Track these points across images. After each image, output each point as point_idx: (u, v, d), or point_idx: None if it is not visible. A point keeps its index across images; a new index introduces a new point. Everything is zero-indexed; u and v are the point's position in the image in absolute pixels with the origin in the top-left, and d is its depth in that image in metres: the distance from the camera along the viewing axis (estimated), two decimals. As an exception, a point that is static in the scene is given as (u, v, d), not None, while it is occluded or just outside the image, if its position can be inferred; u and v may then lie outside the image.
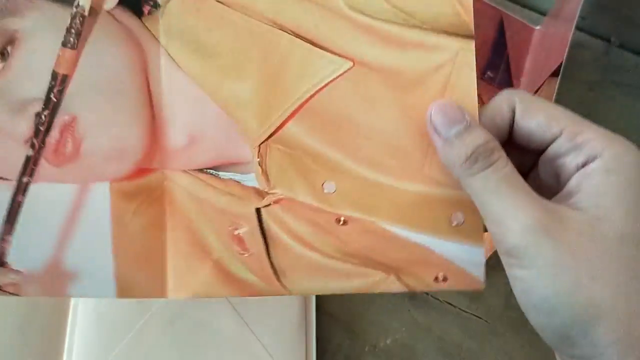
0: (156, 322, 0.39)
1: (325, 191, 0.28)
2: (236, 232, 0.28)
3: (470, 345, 0.43)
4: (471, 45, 0.27)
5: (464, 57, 0.27)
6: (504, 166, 0.24)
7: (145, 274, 0.28)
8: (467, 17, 0.27)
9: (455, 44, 0.27)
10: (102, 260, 0.28)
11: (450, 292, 0.45)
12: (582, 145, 0.25)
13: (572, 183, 0.25)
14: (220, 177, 0.28)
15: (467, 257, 0.28)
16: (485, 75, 0.52)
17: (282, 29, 0.27)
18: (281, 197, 0.28)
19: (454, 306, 0.44)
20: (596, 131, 0.25)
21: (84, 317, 0.40)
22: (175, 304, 0.40)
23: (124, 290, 0.28)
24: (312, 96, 0.27)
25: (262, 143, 0.28)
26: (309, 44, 0.27)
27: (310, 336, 0.41)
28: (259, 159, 0.28)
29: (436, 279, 0.28)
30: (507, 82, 0.53)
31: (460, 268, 0.28)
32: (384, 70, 0.27)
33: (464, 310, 0.44)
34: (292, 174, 0.28)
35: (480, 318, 0.44)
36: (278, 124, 0.28)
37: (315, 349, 0.41)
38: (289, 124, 0.28)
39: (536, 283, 0.23)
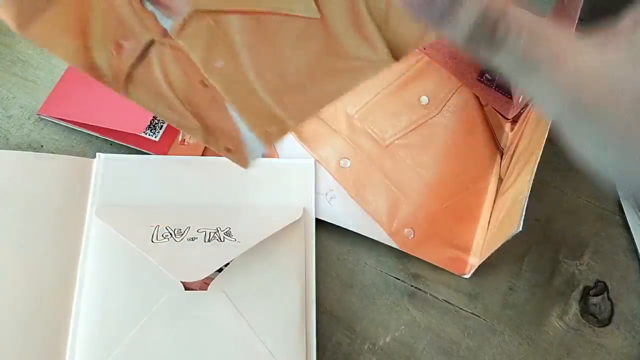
0: (157, 321, 0.40)
1: (215, 65, 0.31)
2: (121, 41, 0.30)
3: (469, 343, 0.44)
4: None
5: None
6: (529, 19, 0.21)
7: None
8: None
9: None
10: None
11: (449, 290, 0.45)
12: None
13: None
14: (143, 4, 0.30)
15: (252, 143, 0.34)
16: (484, 78, 0.53)
17: None
18: (180, 47, 0.31)
19: (453, 305, 0.45)
20: None
21: (86, 316, 0.40)
22: (177, 303, 0.40)
23: None
24: (269, 13, 0.30)
25: (201, 11, 0.30)
26: None
27: (311, 334, 0.41)
28: (186, 17, 0.30)
29: (226, 147, 0.34)
30: (505, 84, 0.53)
31: (245, 145, 0.34)
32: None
33: (462, 309, 0.45)
34: (201, 42, 0.31)
35: (479, 317, 0.45)
36: (227, 8, 0.30)
37: (316, 346, 0.41)
38: (235, 16, 0.30)
39: None
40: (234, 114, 0.34)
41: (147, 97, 0.32)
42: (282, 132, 0.34)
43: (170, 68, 0.32)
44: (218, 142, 0.34)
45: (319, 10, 0.29)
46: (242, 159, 0.35)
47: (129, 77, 0.31)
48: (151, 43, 0.31)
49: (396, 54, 0.30)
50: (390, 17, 0.30)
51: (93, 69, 0.31)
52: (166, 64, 0.31)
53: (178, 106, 0.33)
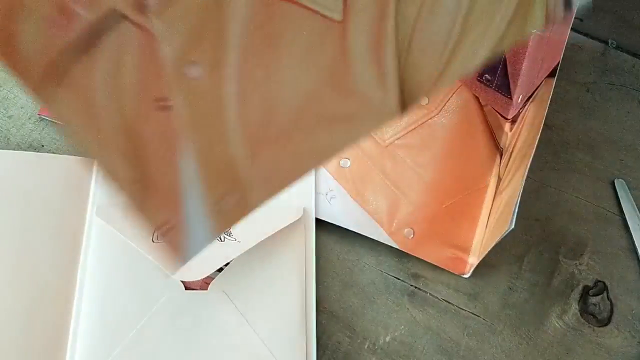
0: (158, 320, 0.40)
1: (190, 72, 0.25)
2: (71, 6, 0.23)
3: (469, 343, 0.44)
4: None
5: None
6: None
7: None
8: None
9: None
10: None
11: (449, 290, 0.45)
12: None
13: None
14: None
15: (195, 225, 0.27)
16: (483, 78, 0.53)
17: None
18: (152, 35, 0.24)
19: (453, 304, 0.45)
20: None
21: (86, 316, 0.40)
22: (177, 302, 0.40)
23: None
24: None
25: None
26: None
27: (311, 333, 0.41)
28: None
29: (158, 225, 0.27)
30: (505, 84, 0.53)
31: (184, 227, 0.27)
32: None
33: (462, 309, 0.45)
34: (185, 28, 0.24)
35: (479, 316, 0.45)
36: None
37: (316, 346, 0.41)
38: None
39: None
40: (185, 170, 0.24)
41: (76, 111, 0.23)
42: (238, 211, 0.25)
43: (126, 69, 0.23)
44: (152, 210, 0.24)
45: (344, 12, 0.24)
46: (177, 247, 0.25)
47: (61, 75, 0.22)
48: (111, 21, 0.22)
49: (405, 101, 0.25)
50: (413, 44, 0.25)
51: (9, 52, 0.21)
52: (122, 62, 0.23)
53: (112, 137, 0.23)
